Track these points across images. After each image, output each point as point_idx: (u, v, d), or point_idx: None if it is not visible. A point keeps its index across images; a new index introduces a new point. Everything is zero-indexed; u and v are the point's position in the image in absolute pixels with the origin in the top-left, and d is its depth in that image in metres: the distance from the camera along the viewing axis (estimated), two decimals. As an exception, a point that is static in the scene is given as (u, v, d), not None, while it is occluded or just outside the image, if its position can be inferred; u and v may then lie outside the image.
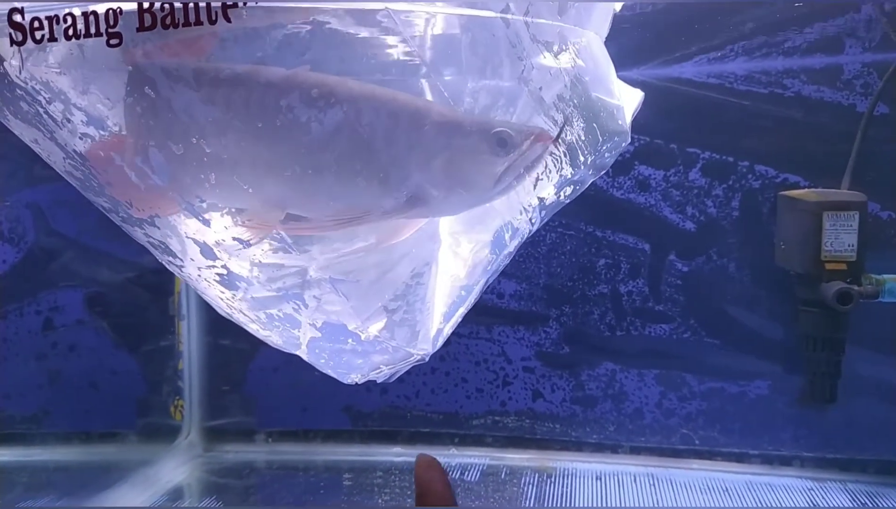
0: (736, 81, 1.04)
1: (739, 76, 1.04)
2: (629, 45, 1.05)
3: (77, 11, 0.54)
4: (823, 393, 1.00)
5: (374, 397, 1.19)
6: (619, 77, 1.02)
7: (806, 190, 1.01)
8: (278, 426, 1.21)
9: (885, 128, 0.99)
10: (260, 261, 0.69)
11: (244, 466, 1.17)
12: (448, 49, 0.62)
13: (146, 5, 0.52)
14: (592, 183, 1.06)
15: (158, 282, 1.15)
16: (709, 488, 1.06)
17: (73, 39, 0.54)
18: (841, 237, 0.94)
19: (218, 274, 0.69)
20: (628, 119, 0.74)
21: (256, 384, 1.21)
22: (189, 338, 1.18)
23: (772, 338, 1.07)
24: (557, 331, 1.15)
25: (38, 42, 0.54)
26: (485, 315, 1.16)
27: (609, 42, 0.82)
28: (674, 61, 1.06)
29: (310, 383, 1.19)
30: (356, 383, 0.77)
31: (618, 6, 0.77)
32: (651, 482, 1.08)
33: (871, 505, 0.99)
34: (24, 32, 0.54)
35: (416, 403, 1.19)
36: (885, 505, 0.99)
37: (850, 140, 1.00)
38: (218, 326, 1.17)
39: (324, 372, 0.76)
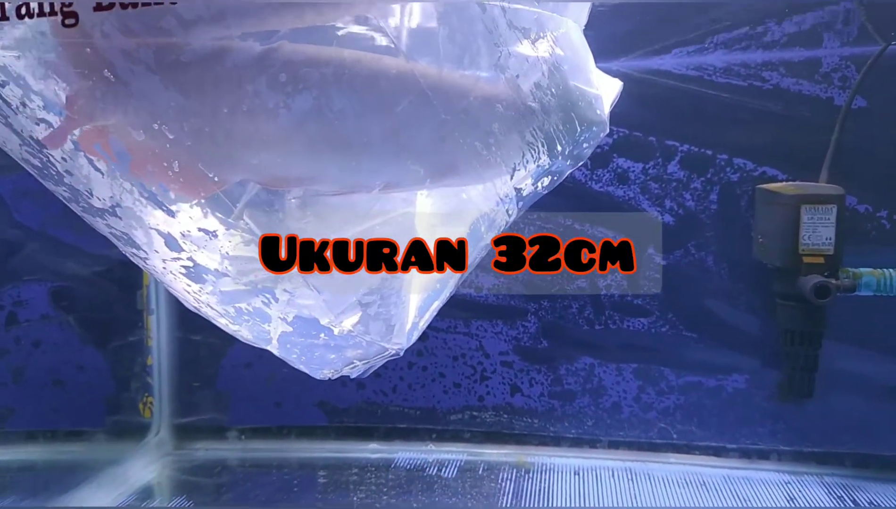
0: (715, 74, 1.03)
1: (718, 69, 1.03)
2: (609, 36, 1.03)
3: (31, -11, 0.51)
4: (801, 388, 0.99)
5: (351, 392, 1.17)
6: (599, 68, 1.01)
7: (784, 183, 1.00)
8: (251, 422, 1.19)
9: (863, 122, 0.99)
10: (230, 254, 0.67)
11: (216, 464, 1.14)
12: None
13: (104, -18, 0.50)
14: (571, 175, 1.05)
15: (126, 276, 1.12)
16: (686, 482, 1.05)
17: (27, 19, 0.51)
18: (818, 230, 0.93)
19: (184, 266, 0.66)
20: (607, 109, 0.73)
21: (229, 380, 1.18)
22: (158, 333, 1.15)
23: (750, 331, 1.07)
24: (536, 326, 1.14)
25: (-11, 21, 0.52)
26: (463, 309, 1.14)
27: (588, 33, 0.80)
28: (653, 53, 1.05)
29: (284, 378, 1.16)
30: (329, 378, 0.75)
31: (596, -6, 0.76)
32: (629, 476, 1.07)
33: (848, 499, 0.99)
34: (-27, 11, 0.51)
35: (393, 398, 1.17)
36: (862, 499, 0.99)
37: (828, 133, 0.99)
38: (188, 321, 1.14)
39: (296, 367, 0.74)
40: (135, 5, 0.50)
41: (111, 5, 0.50)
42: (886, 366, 1.03)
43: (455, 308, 1.13)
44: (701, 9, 1.03)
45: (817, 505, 0.98)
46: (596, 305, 1.12)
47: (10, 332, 1.13)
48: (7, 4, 0.51)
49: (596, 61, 1.01)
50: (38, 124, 0.58)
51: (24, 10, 0.51)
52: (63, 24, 0.51)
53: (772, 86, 1.02)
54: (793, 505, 0.98)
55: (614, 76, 0.98)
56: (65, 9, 0.51)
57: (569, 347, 1.13)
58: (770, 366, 1.06)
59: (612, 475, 1.08)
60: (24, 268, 1.12)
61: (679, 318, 1.10)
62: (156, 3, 0.49)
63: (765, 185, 1.01)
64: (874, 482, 1.02)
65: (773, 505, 0.98)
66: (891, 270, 0.95)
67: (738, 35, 1.02)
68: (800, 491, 1.02)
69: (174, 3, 0.50)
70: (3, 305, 1.13)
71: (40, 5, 0.51)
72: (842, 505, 0.97)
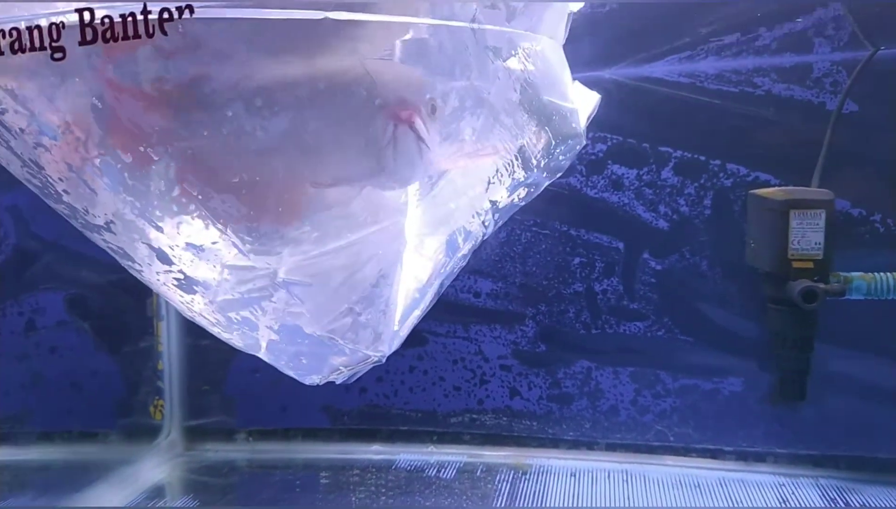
0: (707, 80, 1.05)
1: (710, 75, 1.04)
2: (601, 44, 1.05)
3: (22, 26, 0.55)
4: (793, 391, 1.00)
5: (354, 396, 1.21)
6: (591, 76, 1.03)
7: (774, 188, 1.01)
8: (258, 425, 1.23)
9: (855, 126, 0.99)
10: (230, 264, 0.70)
11: (224, 465, 1.18)
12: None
13: (87, 19, 0.53)
14: (566, 182, 1.07)
15: (137, 284, 1.15)
16: (682, 484, 1.06)
17: (19, 53, 0.55)
18: (807, 235, 0.94)
19: (175, 278, 0.70)
20: (583, 122, 0.75)
21: (236, 384, 1.22)
22: (168, 339, 1.20)
23: (744, 335, 1.08)
24: (534, 330, 1.16)
25: (-15, 55, 0.56)
26: (462, 314, 1.17)
27: (579, 42, 0.82)
28: (645, 61, 1.06)
29: (289, 383, 1.19)
30: (316, 384, 0.78)
31: (575, 7, 0.78)
32: (624, 478, 1.09)
33: (841, 501, 0.99)
34: (-30, 46, 0.55)
35: (395, 402, 1.20)
36: (856, 501, 0.99)
37: (820, 138, 0.99)
38: (197, 327, 1.17)
39: (285, 373, 0.78)
40: (115, 39, 0.53)
41: (94, 39, 0.54)
42: (881, 369, 1.03)
43: (454, 313, 1.16)
44: (692, 15, 1.04)
45: (811, 507, 0.99)
46: (593, 310, 1.13)
47: (30, 338, 1.19)
48: (3, 40, 0.55)
49: (588, 69, 1.04)
50: (35, 148, 0.62)
51: (16, 46, 0.55)
52: (52, 58, 0.55)
53: (763, 92, 1.03)
54: (786, 507, 0.99)
55: (606, 84, 1.01)
56: (53, 44, 0.54)
57: (566, 351, 1.15)
58: (765, 369, 1.07)
59: (609, 477, 1.09)
60: (41, 277, 1.18)
61: (674, 322, 1.11)
62: (134, 38, 0.53)
63: (756, 191, 1.01)
64: (868, 484, 1.02)
65: (767, 507, 0.99)
66: (882, 274, 0.95)
67: (730, 42, 1.03)
68: (794, 492, 1.02)
69: (151, 37, 0.53)
70: (22, 312, 1.19)
71: (31, 41, 0.55)
72: (835, 507, 0.98)
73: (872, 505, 0.97)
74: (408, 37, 0.62)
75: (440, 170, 0.68)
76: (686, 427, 1.12)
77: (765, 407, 1.09)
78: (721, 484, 1.06)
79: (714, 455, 1.11)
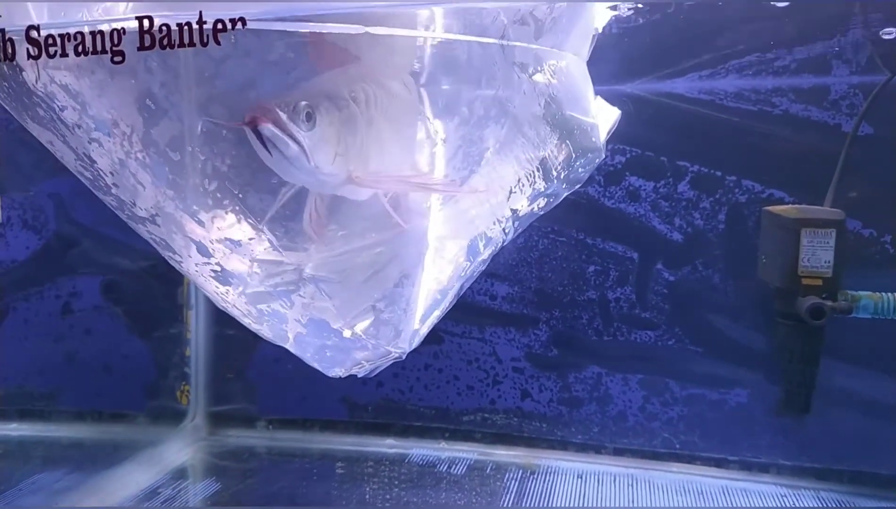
0: (726, 98, 1.07)
1: (730, 93, 1.07)
2: (624, 59, 1.08)
3: (86, 30, 0.60)
4: (798, 404, 1.02)
5: (371, 389, 1.25)
6: (613, 91, 1.06)
7: (788, 206, 1.03)
8: (278, 414, 1.28)
9: (869, 148, 1.02)
10: (259, 258, 0.74)
11: (245, 450, 1.23)
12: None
13: (146, 26, 0.58)
14: (584, 191, 1.10)
15: (169, 273, 1.21)
16: (686, 491, 1.09)
17: (82, 56, 0.60)
18: (817, 253, 0.96)
19: (213, 270, 0.75)
20: (603, 136, 0.78)
21: (259, 373, 1.27)
22: (196, 327, 1.25)
23: (753, 348, 1.10)
24: (547, 334, 1.19)
25: (51, 57, 0.60)
26: (477, 315, 1.20)
27: (603, 57, 0.86)
28: (667, 77, 1.09)
29: (310, 374, 1.23)
30: (339, 376, 0.82)
31: (600, 26, 0.81)
32: (630, 482, 1.11)
33: (841, 514, 1.02)
34: (39, 48, 0.60)
35: (410, 397, 1.24)
36: (855, 515, 1.01)
37: (834, 158, 1.02)
38: (223, 316, 1.21)
39: (310, 364, 0.82)
40: (172, 46, 0.58)
41: (152, 46, 0.58)
42: (886, 386, 1.05)
43: (470, 314, 1.19)
44: (714, 35, 1.07)
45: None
46: (605, 317, 1.16)
47: (66, 320, 1.25)
48: (67, 43, 0.59)
49: (611, 84, 1.07)
50: (90, 143, 0.67)
51: (80, 49, 0.59)
52: (112, 61, 0.59)
53: (781, 111, 1.06)
54: (786, 517, 1.01)
55: (628, 98, 1.04)
56: (114, 48, 0.59)
57: (578, 356, 1.18)
58: (771, 381, 1.09)
59: (615, 480, 1.12)
60: (79, 262, 1.24)
61: (685, 333, 1.14)
62: (189, 45, 0.57)
63: (770, 207, 1.04)
64: (869, 499, 1.04)
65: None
66: (890, 294, 0.97)
67: (750, 61, 1.06)
68: (795, 503, 1.05)
69: (205, 45, 0.57)
70: (59, 295, 1.25)
71: (94, 44, 0.59)
72: (835, 519, 1.00)
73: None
74: (436, 50, 0.66)
75: (356, 183, 0.68)
76: (692, 435, 1.15)
77: (770, 419, 1.11)
78: (724, 492, 1.08)
79: (719, 463, 1.14)
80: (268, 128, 0.59)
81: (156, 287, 1.24)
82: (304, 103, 0.60)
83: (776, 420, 1.10)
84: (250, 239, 0.73)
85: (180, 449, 1.21)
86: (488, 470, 1.15)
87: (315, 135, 0.61)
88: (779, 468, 1.11)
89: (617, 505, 1.05)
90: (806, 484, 1.09)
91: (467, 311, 1.20)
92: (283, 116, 0.59)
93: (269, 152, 0.60)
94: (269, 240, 0.73)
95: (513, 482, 1.11)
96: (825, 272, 0.96)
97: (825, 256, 0.96)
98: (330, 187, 0.69)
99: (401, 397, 1.24)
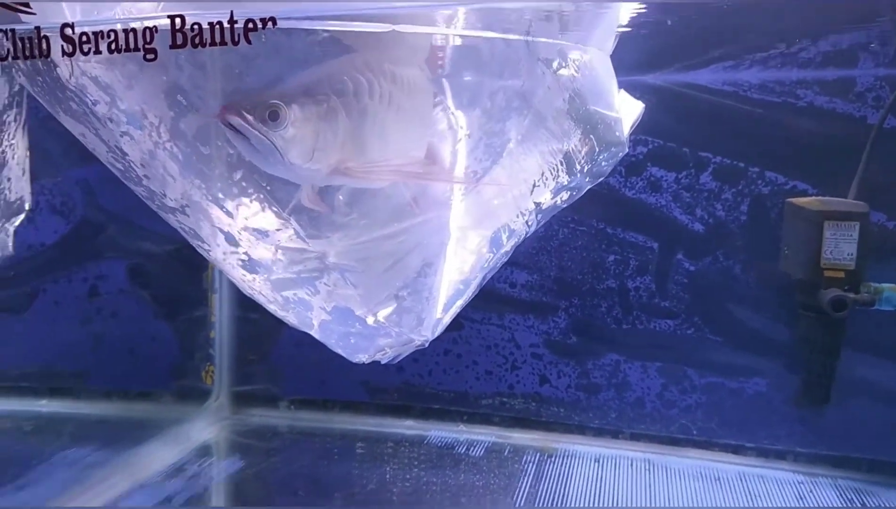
0: (750, 90, 1.07)
1: (753, 85, 1.06)
2: (647, 50, 1.07)
3: (119, 28, 0.61)
4: (817, 395, 1.02)
5: (391, 373, 1.27)
6: (637, 81, 1.06)
7: (811, 198, 1.03)
8: (300, 395, 1.30)
9: (895, 141, 1.01)
10: (283, 246, 0.76)
11: (267, 430, 1.26)
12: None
13: (178, 25, 0.59)
14: (605, 181, 1.10)
15: (193, 257, 1.23)
16: (702, 476, 1.10)
17: (115, 53, 0.61)
18: (840, 246, 0.96)
19: (240, 259, 0.76)
20: (626, 130, 0.78)
21: (281, 355, 1.29)
22: (221, 311, 1.27)
23: (772, 338, 1.11)
24: (566, 322, 1.20)
25: (85, 54, 0.61)
26: (497, 302, 1.22)
27: (626, 47, 0.85)
28: (690, 68, 1.09)
29: (331, 357, 1.26)
30: (363, 362, 0.83)
31: (623, 20, 0.81)
32: (647, 467, 1.13)
33: (858, 502, 1.02)
34: (73, 45, 0.61)
35: (429, 381, 1.26)
36: (872, 503, 1.02)
37: (859, 151, 1.01)
38: (247, 301, 1.23)
39: (334, 350, 0.83)
40: (203, 44, 0.59)
41: (184, 44, 0.59)
42: (906, 378, 1.06)
43: (489, 301, 1.21)
44: (738, 26, 1.06)
45: (828, 506, 1.02)
46: (624, 305, 1.17)
47: (93, 303, 1.27)
48: (101, 41, 0.61)
49: (634, 74, 1.07)
50: (121, 136, 0.69)
51: (113, 46, 0.61)
52: (145, 59, 0.60)
53: (805, 103, 1.05)
54: (802, 505, 1.02)
55: (651, 89, 1.04)
56: (146, 46, 0.60)
57: (597, 343, 1.19)
58: (790, 371, 1.10)
59: (632, 465, 1.14)
60: (106, 246, 1.26)
61: (704, 322, 1.14)
62: (221, 44, 0.58)
63: (793, 199, 1.04)
64: (886, 487, 1.05)
65: (783, 505, 1.02)
66: (913, 287, 0.97)
67: (774, 53, 1.05)
68: (811, 491, 1.06)
69: (236, 44, 0.58)
70: (86, 278, 1.27)
71: (126, 42, 0.60)
72: (852, 507, 1.01)
73: (890, 507, 1.00)
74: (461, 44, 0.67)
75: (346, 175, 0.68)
76: (710, 422, 1.16)
77: (788, 408, 1.12)
78: (741, 478, 1.10)
79: (736, 450, 1.15)
80: (236, 121, 0.60)
81: (181, 271, 1.26)
82: (272, 101, 0.60)
83: (794, 409, 1.11)
84: (277, 229, 0.74)
85: (204, 428, 1.24)
86: (506, 453, 1.17)
87: (287, 132, 0.61)
88: (796, 455, 1.12)
89: (635, 489, 1.07)
90: (823, 472, 1.10)
91: (487, 298, 1.21)
92: (249, 116, 0.60)
93: (237, 142, 0.61)
94: (294, 229, 0.75)
95: (530, 465, 1.13)
96: (848, 264, 0.96)
97: (848, 249, 0.96)
98: (315, 180, 0.69)
99: (420, 381, 1.26)
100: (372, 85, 0.65)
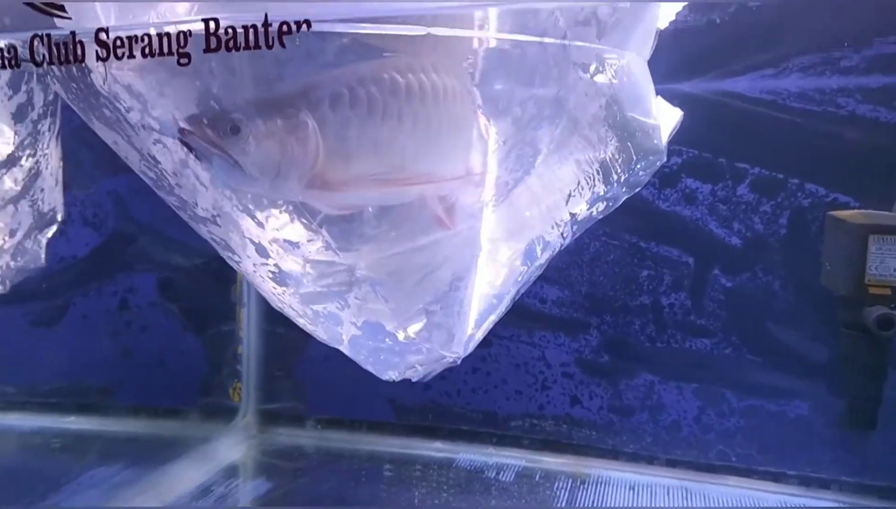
0: (789, 98, 1.04)
1: (793, 93, 1.04)
2: (683, 57, 1.05)
3: (153, 32, 0.60)
4: (863, 419, 0.98)
5: (418, 391, 1.24)
6: (671, 89, 1.04)
7: (854, 211, 1.00)
8: (327, 413, 1.28)
9: (943, 152, 0.97)
10: (312, 258, 0.75)
11: (294, 450, 1.24)
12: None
13: (212, 28, 0.58)
14: (638, 194, 1.08)
15: (222, 270, 1.23)
16: (741, 505, 1.06)
17: (148, 57, 0.61)
18: (886, 261, 0.92)
19: (270, 271, 0.75)
20: (664, 138, 0.76)
21: (308, 372, 1.28)
22: (248, 325, 1.26)
23: (814, 358, 1.07)
24: (598, 339, 1.17)
25: (119, 59, 0.61)
26: (527, 319, 1.19)
27: (662, 54, 0.83)
28: (727, 75, 1.06)
29: (358, 374, 1.24)
30: (393, 380, 0.81)
31: (662, 24, 0.79)
32: (684, 495, 1.09)
33: (907, 535, 0.98)
34: (108, 50, 0.61)
35: (458, 401, 1.23)
36: (923, 536, 0.97)
37: (904, 162, 0.98)
38: (275, 315, 1.23)
39: (363, 367, 0.82)
40: (238, 48, 0.58)
41: (218, 48, 0.59)
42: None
43: (519, 318, 1.18)
44: (777, 33, 1.03)
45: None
46: (659, 323, 1.14)
47: (122, 316, 1.27)
48: (135, 45, 0.60)
49: (669, 82, 1.04)
50: (154, 144, 0.68)
51: (146, 51, 0.60)
52: (178, 63, 0.60)
53: (847, 112, 1.02)
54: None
55: (686, 97, 1.01)
56: (180, 50, 0.60)
57: (630, 363, 1.16)
58: (833, 394, 1.05)
59: (668, 493, 1.10)
60: (136, 259, 1.26)
61: (742, 341, 1.10)
62: (255, 48, 0.58)
63: (835, 212, 1.00)
64: (938, 520, 1.00)
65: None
66: (964, 305, 0.93)
67: (814, 60, 1.03)
68: (857, 522, 1.01)
69: (271, 48, 0.58)
70: (116, 291, 1.28)
71: (160, 46, 0.60)
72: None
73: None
74: (490, 48, 0.65)
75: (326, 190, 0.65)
76: (749, 448, 1.11)
77: (832, 433, 1.07)
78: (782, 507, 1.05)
79: (776, 478, 1.10)
80: (192, 139, 0.58)
81: (210, 284, 1.26)
82: (233, 115, 0.59)
83: (838, 434, 1.06)
84: (307, 240, 0.73)
85: (231, 447, 1.23)
86: (537, 478, 1.14)
87: (248, 145, 0.59)
88: (841, 484, 1.07)
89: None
90: (868, 503, 1.05)
91: (516, 315, 1.17)
92: (209, 131, 0.58)
93: (200, 159, 0.60)
94: (325, 241, 0.73)
95: (563, 491, 1.09)
96: (894, 281, 0.93)
97: (894, 264, 0.92)
98: (290, 196, 0.66)
99: (448, 400, 1.24)
100: (354, 94, 0.62)
